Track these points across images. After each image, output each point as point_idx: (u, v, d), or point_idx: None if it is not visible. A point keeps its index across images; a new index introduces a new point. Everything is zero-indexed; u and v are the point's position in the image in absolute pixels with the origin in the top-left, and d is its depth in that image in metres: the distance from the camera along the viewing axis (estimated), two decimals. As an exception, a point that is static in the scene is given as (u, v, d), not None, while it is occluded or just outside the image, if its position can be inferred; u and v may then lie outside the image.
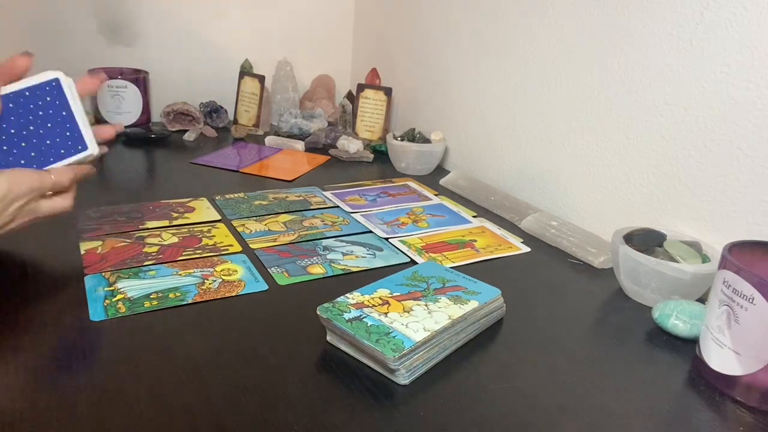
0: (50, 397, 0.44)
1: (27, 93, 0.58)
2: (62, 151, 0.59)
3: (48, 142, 0.58)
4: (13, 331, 0.51)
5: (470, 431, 0.44)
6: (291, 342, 0.53)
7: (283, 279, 0.64)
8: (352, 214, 0.84)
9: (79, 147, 0.60)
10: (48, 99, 0.59)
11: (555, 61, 0.86)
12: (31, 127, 0.58)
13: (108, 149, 0.65)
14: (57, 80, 0.59)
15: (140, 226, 0.74)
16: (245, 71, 1.24)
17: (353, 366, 0.50)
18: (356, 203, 0.88)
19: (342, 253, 0.72)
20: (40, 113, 0.58)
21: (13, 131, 0.57)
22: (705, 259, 0.63)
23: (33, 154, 0.58)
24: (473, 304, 0.55)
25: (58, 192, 0.59)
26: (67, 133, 0.59)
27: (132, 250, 0.68)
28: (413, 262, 0.70)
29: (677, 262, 0.62)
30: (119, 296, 0.58)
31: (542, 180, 0.91)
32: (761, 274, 0.47)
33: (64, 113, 0.59)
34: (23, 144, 0.57)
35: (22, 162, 0.57)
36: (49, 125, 0.58)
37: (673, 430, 0.46)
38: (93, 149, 0.61)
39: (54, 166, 0.58)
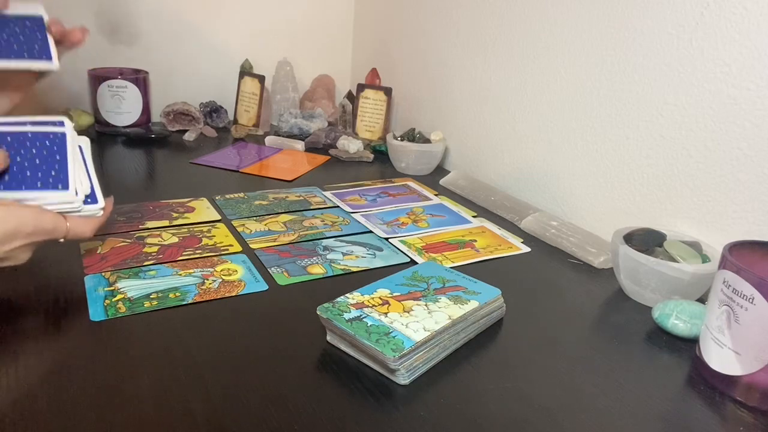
0: (50, 398, 0.44)
1: (30, 135, 0.58)
2: (39, 183, 0.57)
3: (28, 173, 0.57)
4: (12, 332, 0.51)
5: (470, 431, 0.44)
6: (291, 342, 0.53)
7: (283, 279, 0.64)
8: (352, 214, 0.84)
9: (60, 186, 0.57)
10: (47, 143, 0.59)
11: (555, 61, 0.86)
12: (18, 158, 0.57)
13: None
14: (63, 134, 0.60)
15: (140, 226, 0.74)
16: (245, 71, 1.24)
17: (353, 366, 0.50)
18: (356, 203, 0.88)
19: (342, 253, 0.71)
20: (34, 151, 0.58)
21: None
22: (705, 259, 0.63)
23: (7, 177, 0.56)
24: (473, 304, 0.55)
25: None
26: (53, 172, 0.58)
27: (132, 250, 0.68)
28: (413, 262, 0.70)
29: (677, 262, 0.62)
30: (119, 296, 0.58)
31: (542, 180, 0.90)
32: (761, 274, 0.47)
33: (58, 157, 0.59)
34: None
35: None
36: (37, 161, 0.58)
37: (673, 430, 0.46)
38: (73, 191, 0.58)
39: (26, 195, 0.56)
